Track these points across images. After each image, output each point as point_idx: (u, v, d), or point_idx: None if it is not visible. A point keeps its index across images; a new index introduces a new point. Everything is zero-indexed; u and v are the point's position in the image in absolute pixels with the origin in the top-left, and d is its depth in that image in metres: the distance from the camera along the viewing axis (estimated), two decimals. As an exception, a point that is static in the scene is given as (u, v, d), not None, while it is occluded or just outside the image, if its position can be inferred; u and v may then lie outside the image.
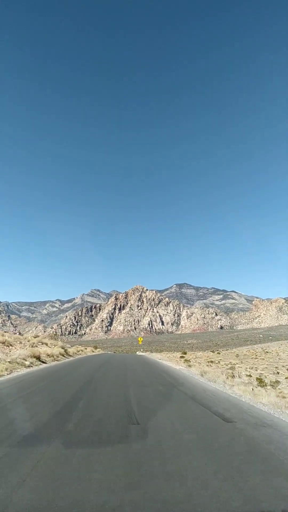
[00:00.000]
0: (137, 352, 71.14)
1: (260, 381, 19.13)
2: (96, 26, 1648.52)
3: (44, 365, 18.30)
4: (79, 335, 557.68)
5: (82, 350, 42.39)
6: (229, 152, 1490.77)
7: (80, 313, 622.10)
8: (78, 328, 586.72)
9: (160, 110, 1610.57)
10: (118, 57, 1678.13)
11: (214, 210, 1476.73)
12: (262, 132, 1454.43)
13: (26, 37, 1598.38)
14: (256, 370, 35.59)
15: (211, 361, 40.41)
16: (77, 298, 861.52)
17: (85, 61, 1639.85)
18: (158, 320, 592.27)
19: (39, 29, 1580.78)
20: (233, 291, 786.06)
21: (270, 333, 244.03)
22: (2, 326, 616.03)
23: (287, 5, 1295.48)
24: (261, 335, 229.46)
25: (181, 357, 44.68)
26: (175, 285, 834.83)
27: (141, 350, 74.92)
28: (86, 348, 51.07)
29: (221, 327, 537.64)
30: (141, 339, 67.26)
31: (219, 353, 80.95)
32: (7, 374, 12.62)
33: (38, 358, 19.17)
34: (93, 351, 53.11)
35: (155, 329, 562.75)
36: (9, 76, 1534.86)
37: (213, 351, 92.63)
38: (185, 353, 60.71)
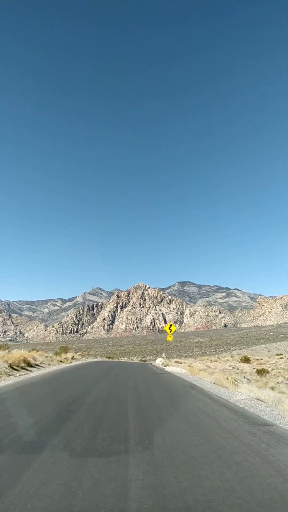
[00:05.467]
0: (157, 361, 41.26)
1: None
2: (97, 24, 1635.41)
3: None
4: (80, 334, 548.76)
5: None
6: (231, 150, 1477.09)
7: (81, 312, 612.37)
8: (79, 327, 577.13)
9: (164, 108, 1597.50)
10: (120, 57, 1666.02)
11: (217, 207, 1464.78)
12: (264, 131, 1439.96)
13: (26, 35, 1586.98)
14: None
15: None
16: (78, 296, 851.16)
17: (86, 61, 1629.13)
18: (161, 318, 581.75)
19: (39, 27, 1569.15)
20: (236, 289, 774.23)
21: (280, 331, 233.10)
22: (3, 325, 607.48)
23: (287, 5, 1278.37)
24: (271, 333, 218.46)
25: (259, 372, 27.53)
26: (177, 283, 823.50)
27: (163, 355, 41.51)
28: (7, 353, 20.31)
29: (225, 325, 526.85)
30: (172, 328, 33.88)
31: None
32: None
33: None
34: (35, 363, 20.35)
35: (158, 327, 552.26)
36: (11, 74, 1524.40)
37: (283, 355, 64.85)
38: (247, 359, 41.96)
